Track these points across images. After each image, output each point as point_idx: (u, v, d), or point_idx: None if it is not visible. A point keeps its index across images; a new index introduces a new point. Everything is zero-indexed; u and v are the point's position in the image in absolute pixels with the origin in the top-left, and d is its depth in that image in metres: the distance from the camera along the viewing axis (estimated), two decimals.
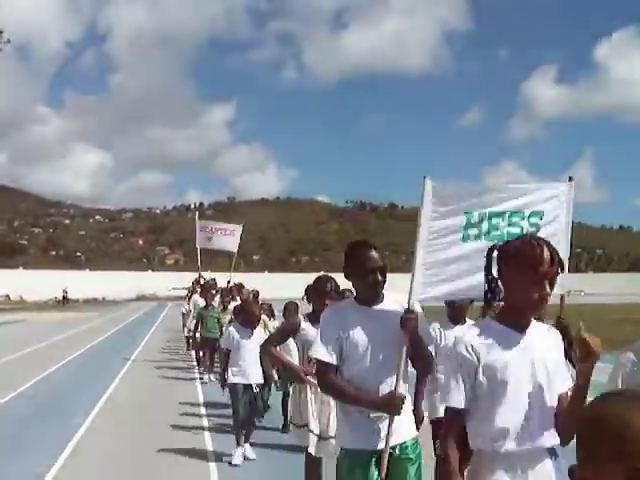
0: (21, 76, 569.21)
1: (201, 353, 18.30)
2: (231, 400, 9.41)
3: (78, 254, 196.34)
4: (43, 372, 18.00)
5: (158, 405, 13.33)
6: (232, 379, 9.26)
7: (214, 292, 18.07)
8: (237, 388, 9.22)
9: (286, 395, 10.10)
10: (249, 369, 9.24)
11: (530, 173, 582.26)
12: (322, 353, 4.36)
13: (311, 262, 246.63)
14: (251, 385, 9.26)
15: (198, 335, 17.26)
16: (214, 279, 19.53)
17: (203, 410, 12.80)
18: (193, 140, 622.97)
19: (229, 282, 18.73)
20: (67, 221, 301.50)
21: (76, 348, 24.20)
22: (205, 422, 11.78)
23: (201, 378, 17.08)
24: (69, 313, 58.19)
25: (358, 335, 4.35)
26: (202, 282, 20.83)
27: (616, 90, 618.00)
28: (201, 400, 13.83)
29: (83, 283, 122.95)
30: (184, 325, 23.09)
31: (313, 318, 6.53)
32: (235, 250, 20.26)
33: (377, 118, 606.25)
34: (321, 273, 7.55)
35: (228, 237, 20.28)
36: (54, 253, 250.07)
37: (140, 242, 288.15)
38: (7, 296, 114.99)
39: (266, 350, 6.94)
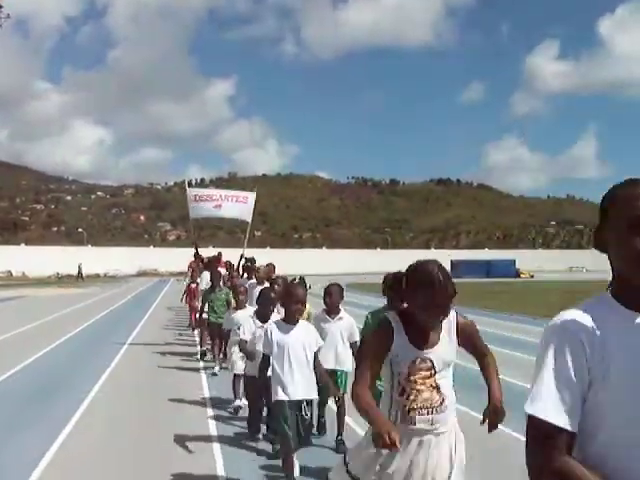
0: (20, 51, 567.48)
1: (208, 338, 15.54)
2: (275, 422, 7.15)
3: (79, 230, 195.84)
4: (45, 348, 17.97)
5: (160, 381, 13.31)
6: (279, 396, 6.71)
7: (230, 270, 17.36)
8: (283, 406, 6.72)
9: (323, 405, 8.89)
10: (298, 379, 6.78)
11: (532, 149, 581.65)
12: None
13: (313, 238, 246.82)
14: (301, 402, 6.85)
15: (205, 317, 14.82)
16: (253, 258, 15.17)
17: (205, 385, 12.77)
18: (193, 116, 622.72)
19: (243, 258, 16.70)
20: (68, 197, 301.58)
21: (78, 324, 24.18)
22: (206, 393, 11.79)
23: (207, 368, 14.60)
24: (71, 289, 58.27)
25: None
26: (209, 257, 19.77)
27: (619, 65, 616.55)
28: (204, 377, 13.79)
29: (84, 259, 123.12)
30: (183, 301, 22.80)
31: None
32: (249, 219, 18.88)
33: (378, 93, 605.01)
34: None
35: (241, 205, 18.75)
36: (55, 229, 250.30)
37: (141, 218, 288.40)
38: (9, 272, 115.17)
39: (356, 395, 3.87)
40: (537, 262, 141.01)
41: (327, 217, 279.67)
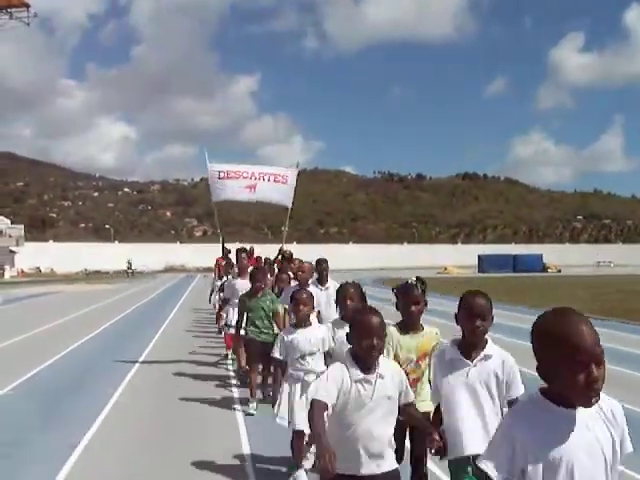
0: (44, 49, 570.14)
1: (243, 361, 11.34)
2: None
3: (107, 227, 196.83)
4: (75, 342, 18.13)
5: (189, 375, 13.38)
6: None
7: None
8: None
9: None
10: None
11: (558, 143, 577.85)
12: None
13: (339, 233, 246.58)
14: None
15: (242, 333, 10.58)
16: (290, 252, 14.52)
17: (234, 381, 12.82)
18: (217, 112, 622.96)
19: (281, 253, 15.01)
20: (96, 194, 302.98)
21: (107, 319, 24.36)
22: (235, 392, 11.83)
23: (245, 403, 10.49)
24: (99, 285, 58.65)
25: None
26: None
27: None
28: (232, 373, 13.83)
29: (112, 255, 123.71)
30: (211, 301, 20.93)
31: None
32: (289, 204, 15.48)
33: (401, 87, 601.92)
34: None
35: (279, 186, 15.17)
36: (83, 226, 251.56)
37: (168, 214, 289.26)
38: (38, 269, 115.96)
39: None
40: (564, 257, 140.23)
41: (353, 212, 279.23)
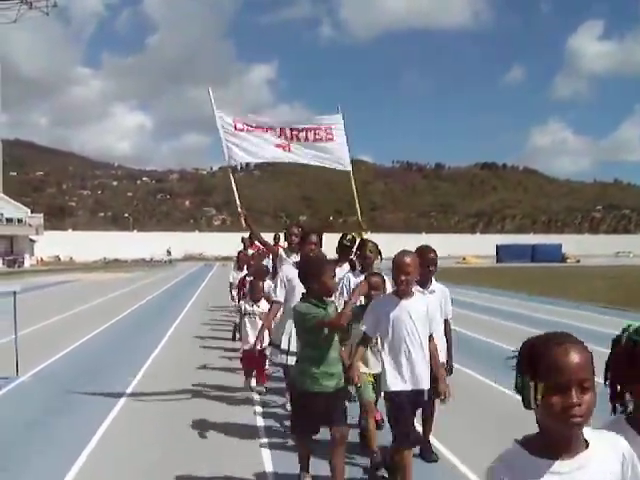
0: (61, 38, 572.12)
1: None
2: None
3: (126, 216, 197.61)
4: (94, 330, 18.20)
5: (207, 365, 13.42)
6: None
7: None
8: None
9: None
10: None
11: (577, 132, 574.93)
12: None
13: (357, 222, 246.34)
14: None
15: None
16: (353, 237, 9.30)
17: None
18: (233, 100, 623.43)
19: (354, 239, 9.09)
20: (114, 183, 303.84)
21: (125, 307, 24.47)
22: (253, 382, 11.85)
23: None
24: (118, 274, 58.85)
25: None
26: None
27: None
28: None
29: (131, 244, 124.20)
30: (232, 298, 17.05)
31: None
32: (348, 165, 11.26)
33: (418, 76, 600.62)
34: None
35: (324, 145, 10.92)
36: (102, 215, 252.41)
37: (187, 203, 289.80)
38: (57, 257, 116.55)
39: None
40: (583, 247, 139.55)
41: (372, 201, 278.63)
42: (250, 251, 16.74)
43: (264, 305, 10.46)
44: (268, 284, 11.12)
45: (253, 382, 10.79)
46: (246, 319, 10.79)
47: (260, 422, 8.93)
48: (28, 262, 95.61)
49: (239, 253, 17.84)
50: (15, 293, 12.48)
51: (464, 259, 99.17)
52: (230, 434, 8.32)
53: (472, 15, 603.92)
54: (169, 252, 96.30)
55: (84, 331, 17.88)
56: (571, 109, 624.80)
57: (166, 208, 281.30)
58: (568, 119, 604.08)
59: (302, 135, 10.81)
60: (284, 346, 8.35)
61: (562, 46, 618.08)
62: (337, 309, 6.33)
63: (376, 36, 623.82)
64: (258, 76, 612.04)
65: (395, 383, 5.95)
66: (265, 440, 8.09)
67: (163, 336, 17.32)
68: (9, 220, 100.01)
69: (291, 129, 10.77)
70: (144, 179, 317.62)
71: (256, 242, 16.15)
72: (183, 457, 7.42)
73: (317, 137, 10.88)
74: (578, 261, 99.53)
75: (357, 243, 8.83)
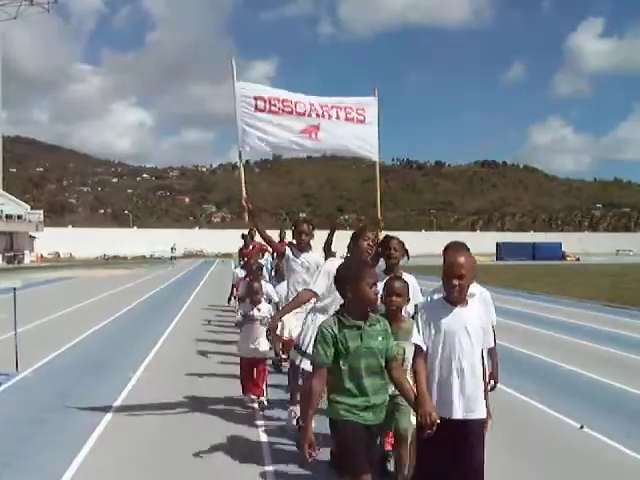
0: (61, 34, 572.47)
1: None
2: None
3: (126, 212, 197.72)
4: (94, 326, 18.20)
5: (209, 358, 13.43)
6: None
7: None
8: None
9: None
10: None
11: (577, 130, 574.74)
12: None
13: (358, 220, 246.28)
14: None
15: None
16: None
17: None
18: (233, 97, 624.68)
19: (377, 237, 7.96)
20: (115, 179, 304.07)
21: (125, 303, 24.47)
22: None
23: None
24: (118, 270, 58.87)
25: None
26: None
27: None
28: None
29: (131, 241, 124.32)
30: (233, 297, 17.22)
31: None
32: (375, 155, 10.03)
33: (418, 74, 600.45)
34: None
35: (355, 126, 9.66)
36: (102, 211, 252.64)
37: (187, 200, 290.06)
38: (57, 254, 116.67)
39: None
40: (583, 245, 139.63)
41: (372, 199, 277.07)
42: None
43: (265, 308, 9.66)
44: (269, 286, 10.87)
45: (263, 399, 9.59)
46: (245, 324, 9.61)
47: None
48: (28, 258, 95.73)
49: (240, 250, 17.31)
50: (15, 289, 12.49)
51: None
52: (231, 426, 8.33)
53: (472, 13, 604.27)
54: (173, 249, 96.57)
55: (84, 327, 17.87)
56: (571, 107, 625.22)
57: (166, 205, 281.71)
58: (568, 117, 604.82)
59: (333, 112, 9.48)
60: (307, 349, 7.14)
61: (562, 44, 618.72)
62: (388, 332, 5.00)
63: (376, 33, 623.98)
64: (258, 73, 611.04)
65: (442, 409, 4.88)
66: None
67: (164, 332, 17.31)
68: (9, 216, 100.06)
69: (323, 105, 9.41)
70: (144, 176, 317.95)
71: (256, 239, 16.02)
72: (183, 451, 7.43)
73: (348, 116, 9.61)
74: (578, 259, 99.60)
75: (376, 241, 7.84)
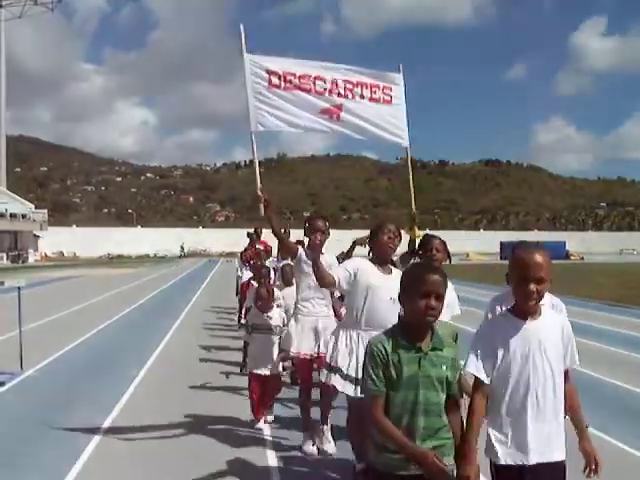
0: (63, 34, 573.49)
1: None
2: None
3: (130, 211, 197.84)
4: (98, 326, 18.21)
5: (208, 360, 13.44)
6: None
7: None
8: None
9: None
10: None
11: (580, 129, 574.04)
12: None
13: (361, 219, 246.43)
14: None
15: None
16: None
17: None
18: (236, 96, 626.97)
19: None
20: (118, 179, 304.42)
21: (129, 303, 24.51)
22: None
23: None
24: (122, 269, 58.89)
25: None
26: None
27: None
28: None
29: (134, 240, 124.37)
30: (240, 303, 14.34)
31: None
32: (405, 140, 8.73)
33: (421, 72, 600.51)
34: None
35: (380, 107, 8.59)
36: (106, 211, 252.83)
37: (190, 199, 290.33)
38: (61, 253, 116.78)
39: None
40: (587, 244, 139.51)
41: (375, 198, 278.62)
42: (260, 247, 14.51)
43: (277, 315, 8.60)
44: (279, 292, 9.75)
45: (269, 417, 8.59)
46: (254, 336, 8.53)
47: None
48: (32, 258, 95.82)
49: (244, 251, 15.56)
50: (20, 288, 12.51)
51: (468, 256, 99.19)
52: (234, 424, 8.34)
53: (475, 12, 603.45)
54: (182, 247, 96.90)
55: (88, 327, 17.89)
56: (575, 106, 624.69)
57: (170, 204, 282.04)
58: (572, 116, 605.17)
59: (357, 91, 8.36)
60: (350, 372, 6.14)
61: (566, 43, 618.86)
62: (455, 360, 3.86)
63: (378, 32, 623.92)
64: None
65: (510, 453, 3.83)
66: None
67: (169, 330, 17.34)
68: (13, 216, 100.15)
69: (344, 81, 8.29)
70: (148, 175, 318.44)
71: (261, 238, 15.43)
72: (187, 449, 7.44)
73: (374, 96, 8.50)
74: (582, 258, 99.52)
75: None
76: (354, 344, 6.14)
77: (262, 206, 7.10)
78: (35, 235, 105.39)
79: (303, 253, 7.51)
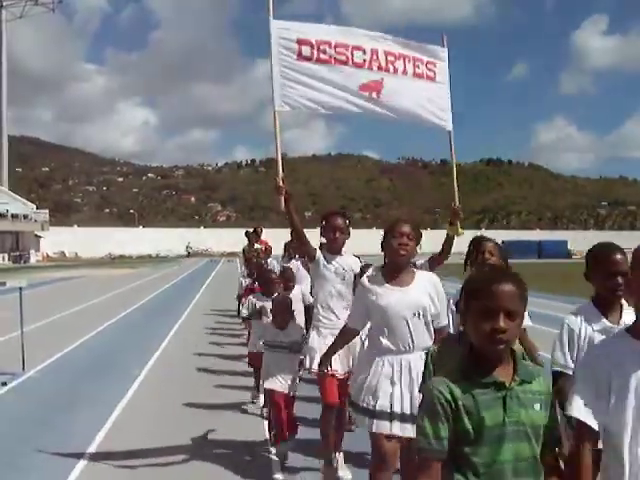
0: (64, 34, 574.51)
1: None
2: None
3: (131, 212, 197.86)
4: (99, 326, 18.24)
5: (209, 360, 13.44)
6: None
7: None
8: None
9: None
10: None
11: (582, 128, 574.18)
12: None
13: (363, 219, 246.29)
14: None
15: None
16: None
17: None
18: (237, 96, 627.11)
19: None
20: (120, 179, 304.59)
21: (131, 303, 24.51)
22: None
23: None
24: (124, 269, 58.91)
25: None
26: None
27: None
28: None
29: (136, 240, 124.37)
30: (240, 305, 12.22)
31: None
32: (449, 123, 7.60)
33: None
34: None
35: (424, 84, 7.33)
36: (108, 211, 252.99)
37: (192, 199, 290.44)
38: (62, 253, 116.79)
39: None
40: (588, 243, 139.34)
41: (376, 197, 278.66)
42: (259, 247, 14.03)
43: (296, 330, 7.17)
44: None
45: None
46: (269, 354, 7.09)
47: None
48: (34, 258, 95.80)
49: (244, 252, 14.72)
50: (21, 289, 12.51)
51: None
52: (236, 425, 8.32)
53: (476, 11, 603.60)
54: (189, 247, 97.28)
55: (90, 327, 17.89)
56: (576, 105, 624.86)
57: (171, 204, 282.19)
58: (573, 115, 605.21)
59: (399, 65, 7.09)
60: (395, 407, 4.89)
61: (567, 42, 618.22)
62: (549, 394, 2.80)
63: (379, 31, 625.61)
64: (262, 72, 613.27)
65: None
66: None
67: (170, 331, 17.36)
68: (15, 216, 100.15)
69: (386, 53, 7.03)
70: (149, 175, 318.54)
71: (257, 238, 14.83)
72: (189, 449, 7.43)
73: (417, 71, 7.23)
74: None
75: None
76: (386, 369, 4.93)
77: (282, 199, 6.32)
78: (36, 235, 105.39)
79: (322, 257, 6.55)
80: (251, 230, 15.23)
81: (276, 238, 16.80)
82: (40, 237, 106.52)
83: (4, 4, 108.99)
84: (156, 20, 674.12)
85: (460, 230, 6.93)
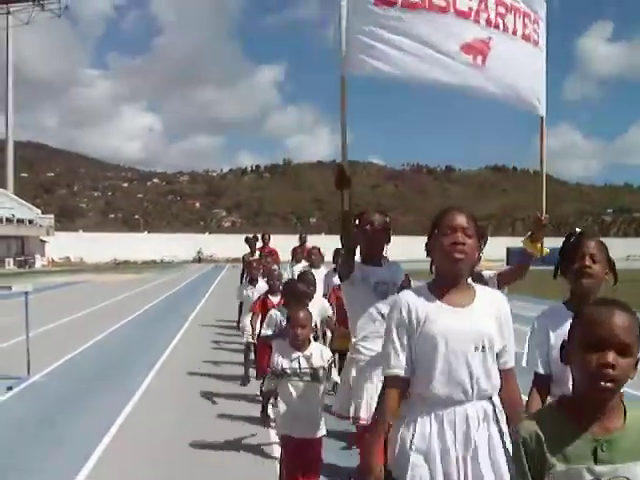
0: (69, 39, 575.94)
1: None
2: None
3: (136, 217, 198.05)
4: (105, 331, 18.25)
5: (215, 366, 13.44)
6: None
7: None
8: None
9: None
10: None
11: (587, 135, 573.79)
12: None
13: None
14: None
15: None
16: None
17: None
18: (242, 102, 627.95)
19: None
20: (125, 184, 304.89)
21: (136, 308, 24.53)
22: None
23: None
24: (129, 275, 58.94)
25: None
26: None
27: None
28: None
29: (141, 245, 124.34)
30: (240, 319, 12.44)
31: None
32: (542, 108, 5.57)
33: None
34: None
35: (530, 49, 5.30)
36: (113, 216, 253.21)
37: (197, 205, 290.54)
38: (67, 258, 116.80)
39: None
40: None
41: (382, 203, 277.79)
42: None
43: (317, 352, 5.61)
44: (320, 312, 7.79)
45: None
46: (286, 384, 5.51)
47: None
48: (39, 263, 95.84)
49: (244, 259, 13.79)
50: (27, 293, 12.54)
51: None
52: (241, 431, 8.32)
53: None
54: (199, 252, 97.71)
55: (95, 332, 17.91)
56: (581, 112, 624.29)
57: (176, 209, 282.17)
58: (578, 122, 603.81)
59: (509, 20, 5.16)
60: None
61: (572, 48, 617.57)
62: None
63: None
64: (266, 77, 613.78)
65: None
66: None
67: (175, 335, 17.37)
68: (20, 221, 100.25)
69: (496, 2, 5.07)
70: (154, 180, 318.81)
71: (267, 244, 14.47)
72: (195, 454, 7.45)
73: (526, 32, 5.30)
74: None
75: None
76: (435, 430, 3.24)
77: (340, 181, 5.17)
78: (42, 240, 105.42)
79: (359, 270, 5.15)
80: (251, 236, 14.70)
81: (278, 244, 15.96)
82: (45, 242, 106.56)
83: (11, 10, 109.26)
84: (160, 25, 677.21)
85: (546, 249, 5.70)
